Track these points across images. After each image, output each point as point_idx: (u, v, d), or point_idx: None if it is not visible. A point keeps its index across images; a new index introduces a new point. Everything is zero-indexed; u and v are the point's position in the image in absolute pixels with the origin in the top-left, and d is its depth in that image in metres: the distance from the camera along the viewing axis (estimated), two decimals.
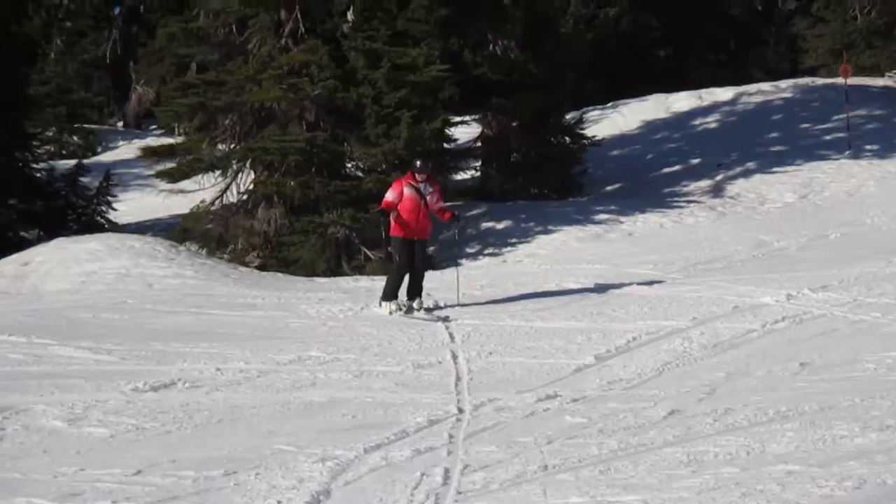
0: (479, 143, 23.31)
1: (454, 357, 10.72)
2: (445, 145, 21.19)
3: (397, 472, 6.68)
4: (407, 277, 11.82)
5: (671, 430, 7.65)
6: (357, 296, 15.46)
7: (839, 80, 26.58)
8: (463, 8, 20.56)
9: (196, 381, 10.14)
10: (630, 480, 6.28)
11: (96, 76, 35.85)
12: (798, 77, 29.61)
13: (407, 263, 11.16)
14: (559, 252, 18.96)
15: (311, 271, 17.89)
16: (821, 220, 19.83)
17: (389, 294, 11.27)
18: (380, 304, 11.59)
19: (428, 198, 11.07)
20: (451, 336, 11.78)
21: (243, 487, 6.55)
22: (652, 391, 9.28)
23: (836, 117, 25.29)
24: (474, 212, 21.28)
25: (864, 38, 28.79)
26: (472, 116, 22.94)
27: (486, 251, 19.89)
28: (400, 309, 11.15)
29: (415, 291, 11.34)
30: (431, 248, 18.30)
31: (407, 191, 10.96)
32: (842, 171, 22.84)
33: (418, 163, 11.26)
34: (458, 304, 13.80)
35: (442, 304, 12.06)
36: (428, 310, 11.25)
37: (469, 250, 20.04)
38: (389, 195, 11.13)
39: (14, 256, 18.38)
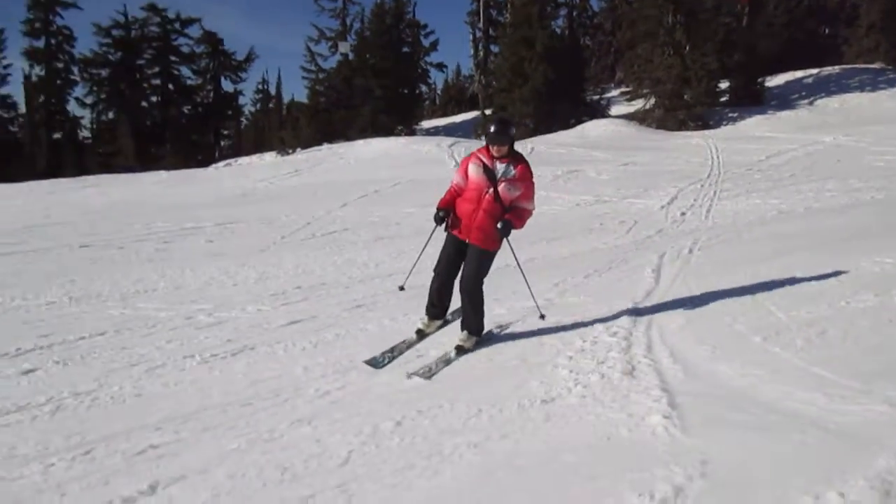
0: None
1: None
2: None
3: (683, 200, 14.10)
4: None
5: (657, 233, 11.91)
6: None
7: None
8: None
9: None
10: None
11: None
12: None
13: (445, 269, 5.95)
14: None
15: None
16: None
17: (427, 306, 6.23)
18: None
19: (502, 185, 5.67)
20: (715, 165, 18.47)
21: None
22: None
23: None
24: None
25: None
26: None
27: None
28: (421, 333, 6.17)
29: (462, 321, 5.99)
30: None
31: (472, 169, 5.79)
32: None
33: (492, 127, 5.68)
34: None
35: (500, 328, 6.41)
36: (447, 361, 5.62)
37: None
38: (455, 177, 5.93)
39: None
